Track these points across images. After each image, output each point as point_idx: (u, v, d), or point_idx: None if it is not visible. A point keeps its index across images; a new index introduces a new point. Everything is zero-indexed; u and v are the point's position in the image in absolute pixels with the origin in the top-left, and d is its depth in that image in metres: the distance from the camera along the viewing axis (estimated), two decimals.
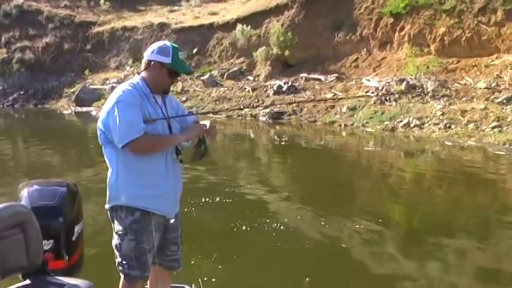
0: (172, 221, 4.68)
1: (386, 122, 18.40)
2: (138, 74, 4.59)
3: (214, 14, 30.77)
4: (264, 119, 21.56)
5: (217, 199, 10.40)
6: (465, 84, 19.51)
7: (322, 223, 9.34)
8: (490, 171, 13.27)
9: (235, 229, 8.72)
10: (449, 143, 15.69)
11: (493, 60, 20.16)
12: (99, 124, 4.45)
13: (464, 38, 21.02)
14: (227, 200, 10.46)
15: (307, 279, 6.81)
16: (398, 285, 6.97)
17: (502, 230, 9.11)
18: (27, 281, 4.33)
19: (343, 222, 9.26)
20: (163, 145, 4.53)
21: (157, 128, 4.45)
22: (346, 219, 9.37)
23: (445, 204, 10.78)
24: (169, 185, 4.56)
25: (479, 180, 12.42)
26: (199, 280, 5.38)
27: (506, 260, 7.75)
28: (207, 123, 4.74)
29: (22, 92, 31.32)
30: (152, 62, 4.48)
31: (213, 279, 6.41)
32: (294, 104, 21.63)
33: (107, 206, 4.61)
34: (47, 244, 4.60)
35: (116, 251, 4.59)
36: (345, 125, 19.34)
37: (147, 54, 4.54)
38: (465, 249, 8.22)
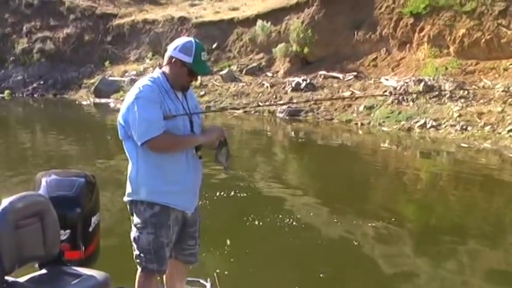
0: (190, 215, 4.67)
1: (402, 122, 18.42)
2: (160, 67, 4.58)
3: (234, 9, 30.82)
4: (281, 115, 21.62)
5: (232, 193, 10.49)
6: (483, 87, 19.44)
7: (335, 220, 9.47)
8: (506, 173, 13.30)
9: (247, 223, 8.84)
10: (465, 145, 15.71)
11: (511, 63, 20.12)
12: (120, 119, 4.46)
13: (483, 40, 20.93)
14: (241, 195, 10.57)
15: (321, 275, 6.90)
16: (409, 283, 7.04)
17: None
18: (44, 270, 4.42)
19: (356, 220, 9.38)
20: (182, 145, 4.52)
21: (178, 124, 4.45)
22: (359, 217, 9.49)
23: (459, 205, 10.85)
24: (189, 181, 4.56)
25: (494, 182, 12.46)
26: (215, 274, 5.38)
27: None
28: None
29: (42, 82, 31.52)
30: (173, 59, 4.46)
31: (226, 272, 6.45)
32: (312, 102, 21.70)
33: (126, 199, 4.60)
34: (64, 234, 4.66)
35: (134, 244, 4.57)
36: (362, 124, 19.37)
37: (171, 49, 4.52)
38: (478, 250, 8.30)
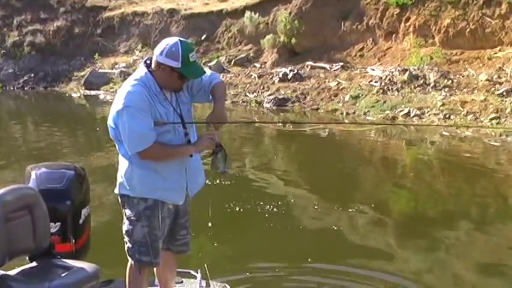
0: (182, 205, 4.65)
1: (387, 111, 18.66)
2: (146, 64, 4.45)
3: (223, 1, 30.88)
4: (268, 105, 21.85)
5: (217, 181, 10.56)
6: (467, 76, 19.73)
7: (316, 207, 9.71)
8: (485, 160, 13.58)
9: (228, 210, 9.08)
10: (447, 133, 15.98)
11: (496, 53, 20.35)
12: (110, 122, 4.39)
13: (468, 30, 21.20)
14: (226, 183, 10.69)
15: (308, 260, 7.11)
16: (389, 266, 7.22)
17: (501, 218, 9.43)
18: (34, 263, 4.46)
19: (337, 207, 9.59)
20: (173, 156, 4.48)
21: (169, 127, 4.40)
22: (341, 204, 9.69)
23: (445, 193, 11.10)
24: (182, 179, 4.53)
25: (474, 169, 12.73)
26: (205, 265, 5.35)
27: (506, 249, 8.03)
28: (215, 134, 4.59)
29: (32, 75, 31.57)
30: (161, 66, 4.33)
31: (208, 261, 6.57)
32: (298, 92, 21.95)
33: (117, 191, 4.58)
34: (54, 227, 4.71)
35: (126, 237, 4.54)
36: (347, 113, 19.58)
37: (157, 53, 4.35)
38: (464, 236, 8.48)
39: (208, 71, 4.72)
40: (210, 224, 5.11)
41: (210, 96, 4.63)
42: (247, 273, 6.75)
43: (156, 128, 4.29)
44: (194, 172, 4.65)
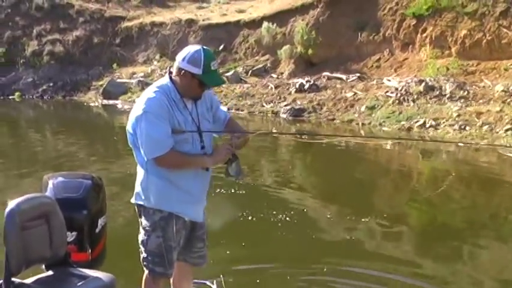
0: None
1: (403, 122, 18.69)
2: (170, 73, 4.49)
3: (241, 11, 31.13)
4: (284, 116, 21.95)
5: (232, 191, 10.66)
6: (483, 87, 19.74)
7: (328, 216, 9.77)
8: (498, 171, 13.61)
9: (241, 219, 9.17)
10: (462, 144, 16.00)
11: None
12: (128, 127, 4.43)
13: (485, 41, 21.23)
14: (240, 192, 10.77)
15: (324, 269, 7.11)
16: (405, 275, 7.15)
17: None
18: (50, 272, 4.48)
19: (351, 217, 9.62)
20: (188, 166, 4.50)
21: (187, 136, 4.41)
22: (356, 214, 9.68)
23: (463, 204, 11.12)
24: (196, 189, 4.57)
25: (488, 179, 12.77)
26: (221, 276, 5.45)
27: None
28: (233, 143, 4.61)
29: (51, 84, 31.92)
30: (183, 71, 4.36)
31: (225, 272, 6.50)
32: (315, 102, 22.05)
33: (134, 202, 4.61)
34: (71, 236, 4.72)
35: (141, 247, 4.57)
36: (363, 124, 19.65)
37: (179, 59, 4.40)
38: (481, 248, 8.42)
39: (223, 107, 4.87)
40: None
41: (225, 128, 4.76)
42: (257, 280, 6.76)
43: (173, 136, 4.32)
44: (204, 190, 4.71)
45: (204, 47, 4.44)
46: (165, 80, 4.48)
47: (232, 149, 4.55)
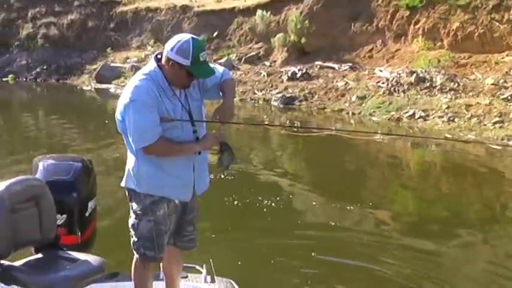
0: (189, 202, 4.65)
1: (392, 113, 18.79)
2: (157, 58, 4.42)
3: None
4: (275, 103, 22.10)
5: (222, 176, 10.62)
6: (474, 80, 19.86)
7: (314, 203, 9.94)
8: (488, 162, 13.82)
9: (227, 203, 9.31)
10: (450, 136, 16.14)
11: (503, 58, 20.45)
12: (117, 115, 4.38)
13: (477, 34, 21.30)
14: (229, 178, 10.87)
15: (312, 254, 7.31)
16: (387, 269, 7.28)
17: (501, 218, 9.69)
18: (40, 255, 4.46)
19: (337, 204, 9.80)
20: (177, 153, 4.47)
21: (176, 123, 4.37)
22: (342, 202, 9.86)
23: (450, 195, 11.26)
24: (189, 175, 4.52)
25: (474, 170, 13.01)
26: (210, 260, 5.41)
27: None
28: (221, 133, 4.61)
29: (45, 67, 31.90)
30: (171, 62, 4.30)
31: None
32: (306, 91, 22.18)
33: (123, 184, 4.58)
34: (60, 219, 4.72)
35: (132, 231, 4.56)
36: (353, 113, 19.75)
37: (167, 49, 4.33)
38: (468, 239, 8.61)
39: (220, 68, 4.72)
40: None
41: (221, 93, 4.64)
42: (239, 262, 6.90)
43: (163, 123, 4.29)
44: (201, 171, 4.63)
45: (194, 37, 4.37)
46: (151, 66, 4.41)
47: (219, 137, 4.54)
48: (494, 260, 7.74)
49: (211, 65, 4.58)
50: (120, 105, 4.34)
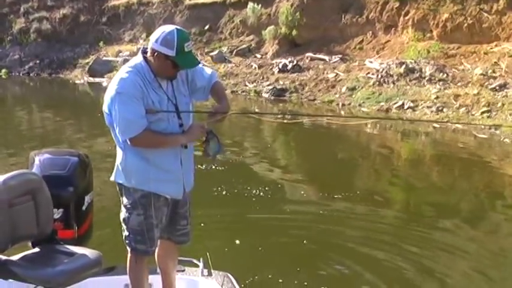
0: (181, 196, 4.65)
1: (382, 103, 19.00)
2: (143, 52, 4.42)
3: None
4: (266, 95, 22.28)
5: (213, 167, 10.76)
6: (463, 70, 20.04)
7: (302, 192, 10.10)
8: (476, 151, 14.03)
9: (215, 193, 9.45)
10: (437, 125, 16.33)
11: (492, 48, 20.66)
12: (105, 108, 4.40)
13: (466, 25, 21.49)
14: (218, 168, 10.98)
15: (304, 241, 7.44)
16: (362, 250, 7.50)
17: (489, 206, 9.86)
18: (36, 249, 4.44)
19: (325, 194, 9.97)
20: (163, 145, 4.47)
21: (162, 115, 4.37)
22: (330, 192, 10.00)
23: (440, 183, 11.42)
24: (177, 169, 4.51)
25: (466, 158, 13.23)
26: (207, 254, 5.41)
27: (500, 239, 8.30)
28: (205, 123, 4.60)
29: (38, 61, 31.99)
30: (156, 53, 4.29)
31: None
32: (297, 82, 22.36)
33: (113, 178, 4.59)
34: (57, 213, 4.67)
35: (123, 225, 4.57)
36: (343, 105, 19.94)
37: (152, 41, 4.32)
38: (457, 228, 8.65)
39: (208, 70, 4.74)
40: None
41: (209, 96, 4.70)
42: (232, 254, 7.02)
43: (148, 115, 4.29)
44: (188, 168, 4.65)
45: (178, 28, 4.35)
46: (138, 59, 4.42)
47: (205, 127, 4.53)
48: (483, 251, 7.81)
49: (201, 65, 4.65)
50: (107, 98, 4.36)
